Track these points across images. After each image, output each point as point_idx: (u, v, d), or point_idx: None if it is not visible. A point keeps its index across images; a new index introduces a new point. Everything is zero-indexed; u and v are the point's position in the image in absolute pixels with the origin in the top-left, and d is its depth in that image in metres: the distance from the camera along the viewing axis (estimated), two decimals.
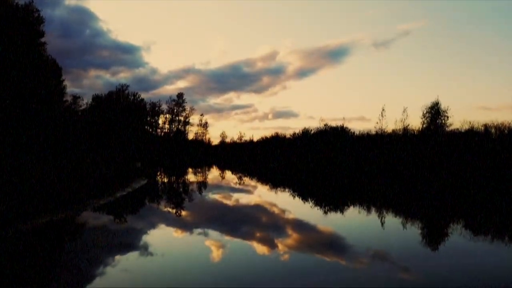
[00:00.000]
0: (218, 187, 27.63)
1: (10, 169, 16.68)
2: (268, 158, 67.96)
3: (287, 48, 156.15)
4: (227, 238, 11.08)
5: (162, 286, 6.95)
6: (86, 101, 72.76)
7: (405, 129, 40.31)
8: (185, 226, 12.90)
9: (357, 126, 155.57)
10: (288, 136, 69.36)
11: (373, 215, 16.13)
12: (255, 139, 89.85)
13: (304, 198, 22.40)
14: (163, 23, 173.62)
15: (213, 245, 10.14)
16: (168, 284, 7.02)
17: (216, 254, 9.40)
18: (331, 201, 21.50)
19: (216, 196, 21.81)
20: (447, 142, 32.73)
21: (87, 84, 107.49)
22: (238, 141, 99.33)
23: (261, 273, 7.89)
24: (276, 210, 16.94)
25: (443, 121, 37.78)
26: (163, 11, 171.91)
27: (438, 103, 38.38)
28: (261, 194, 24.15)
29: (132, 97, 79.52)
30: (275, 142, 71.03)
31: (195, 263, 8.59)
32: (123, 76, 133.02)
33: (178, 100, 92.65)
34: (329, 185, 30.85)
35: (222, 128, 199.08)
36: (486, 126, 31.17)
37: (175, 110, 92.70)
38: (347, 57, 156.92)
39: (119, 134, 65.01)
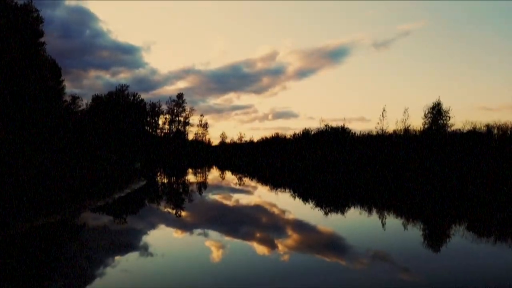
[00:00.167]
0: (218, 188, 27.52)
1: (8, 170, 16.53)
2: (268, 158, 67.84)
3: (287, 48, 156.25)
4: (227, 238, 11.05)
5: (162, 286, 6.93)
6: (86, 101, 72.90)
7: (406, 130, 40.13)
8: (185, 226, 12.85)
9: (357, 127, 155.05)
10: (288, 136, 69.31)
11: (374, 216, 16.07)
12: (255, 140, 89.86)
13: (305, 199, 22.29)
14: (163, 23, 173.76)
15: (213, 246, 10.11)
16: (168, 285, 7.00)
17: (216, 254, 9.36)
18: (331, 201, 21.38)
19: (216, 197, 21.71)
20: (449, 142, 32.56)
21: (87, 84, 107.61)
22: (238, 141, 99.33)
23: (261, 274, 7.87)
24: (276, 211, 16.83)
25: (445, 122, 37.61)
26: (163, 11, 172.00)
27: (439, 103, 38.21)
28: (261, 194, 24.05)
29: (132, 98, 79.56)
30: (275, 142, 70.90)
31: (195, 264, 8.57)
32: (123, 77, 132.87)
33: (178, 101, 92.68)
34: (330, 185, 30.71)
35: (222, 128, 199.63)
36: (488, 126, 30.98)
37: (175, 111, 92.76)
38: (347, 58, 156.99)
39: (119, 134, 64.91)
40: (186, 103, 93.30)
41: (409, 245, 10.76)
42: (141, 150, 70.02)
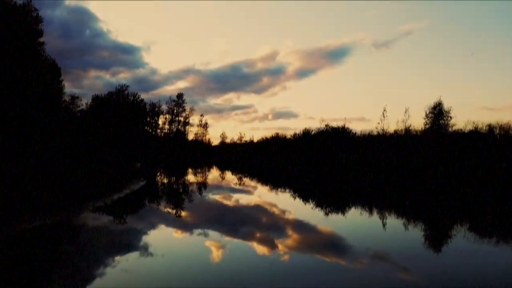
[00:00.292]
0: (218, 188, 27.47)
1: (7, 170, 16.47)
2: (269, 158, 67.73)
3: (287, 48, 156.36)
4: (227, 238, 11.02)
5: (162, 286, 6.91)
6: (86, 101, 72.81)
7: (407, 130, 40.02)
8: (185, 226, 12.81)
9: (357, 127, 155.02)
10: (288, 136, 69.19)
11: (374, 216, 16.01)
12: (255, 140, 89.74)
13: (305, 199, 22.23)
14: (163, 23, 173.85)
15: (213, 246, 10.09)
16: (168, 285, 6.98)
17: (216, 254, 9.33)
18: (332, 202, 21.31)
19: (216, 197, 21.66)
20: (451, 142, 32.47)
21: (87, 84, 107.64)
22: (238, 141, 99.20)
23: (261, 274, 7.84)
24: (276, 211, 16.78)
25: (446, 122, 37.54)
26: (163, 11, 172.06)
27: (440, 103, 38.17)
28: (261, 194, 24.00)
29: (132, 98, 79.44)
30: (275, 142, 70.79)
31: (195, 264, 8.54)
32: (123, 77, 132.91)
33: (178, 101, 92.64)
34: (330, 185, 30.65)
35: (222, 128, 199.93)
36: (490, 126, 30.85)
37: (175, 111, 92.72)
38: (347, 58, 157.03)
39: (119, 134, 64.83)
40: (186, 103, 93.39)
41: (409, 245, 10.73)
42: (141, 150, 69.96)
